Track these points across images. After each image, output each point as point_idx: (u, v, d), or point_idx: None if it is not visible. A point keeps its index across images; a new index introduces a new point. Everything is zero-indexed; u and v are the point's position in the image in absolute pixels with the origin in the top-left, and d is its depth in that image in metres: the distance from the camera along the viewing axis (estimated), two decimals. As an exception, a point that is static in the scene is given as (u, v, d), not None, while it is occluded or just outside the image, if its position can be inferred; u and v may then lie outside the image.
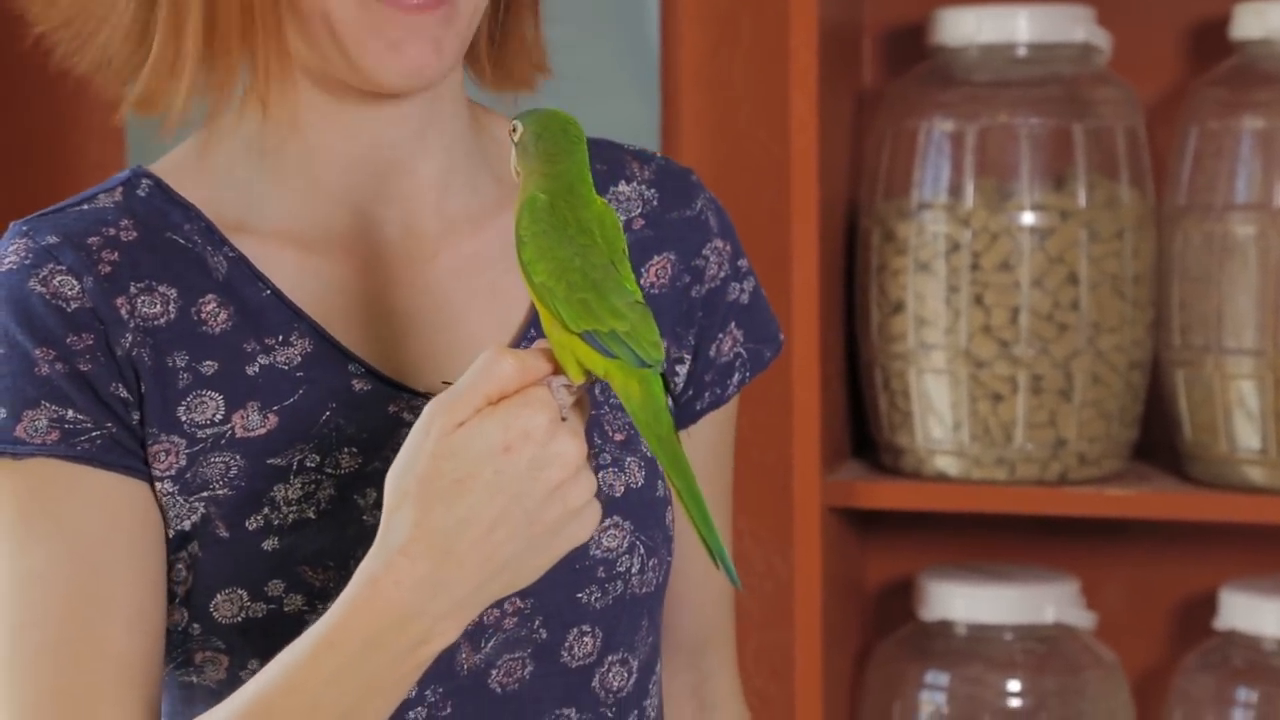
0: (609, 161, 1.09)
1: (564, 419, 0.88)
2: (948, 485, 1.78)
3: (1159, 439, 1.81)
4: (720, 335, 1.10)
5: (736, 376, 1.10)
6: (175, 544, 0.99)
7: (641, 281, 1.07)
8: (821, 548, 1.79)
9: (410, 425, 1.00)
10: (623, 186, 1.09)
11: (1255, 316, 1.70)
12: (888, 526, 1.95)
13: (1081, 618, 1.80)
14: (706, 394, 1.10)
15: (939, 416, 1.77)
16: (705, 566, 1.11)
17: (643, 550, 1.03)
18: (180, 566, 0.99)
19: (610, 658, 1.04)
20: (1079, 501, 1.75)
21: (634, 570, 1.03)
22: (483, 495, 0.86)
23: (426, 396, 1.01)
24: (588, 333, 0.88)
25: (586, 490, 0.88)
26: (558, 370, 0.89)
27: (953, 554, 1.92)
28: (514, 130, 0.93)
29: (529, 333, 1.04)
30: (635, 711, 1.06)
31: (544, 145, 0.91)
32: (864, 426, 1.88)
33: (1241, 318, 1.71)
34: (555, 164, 0.91)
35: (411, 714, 0.98)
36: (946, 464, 1.78)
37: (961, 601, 1.81)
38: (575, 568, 1.00)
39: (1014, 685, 1.81)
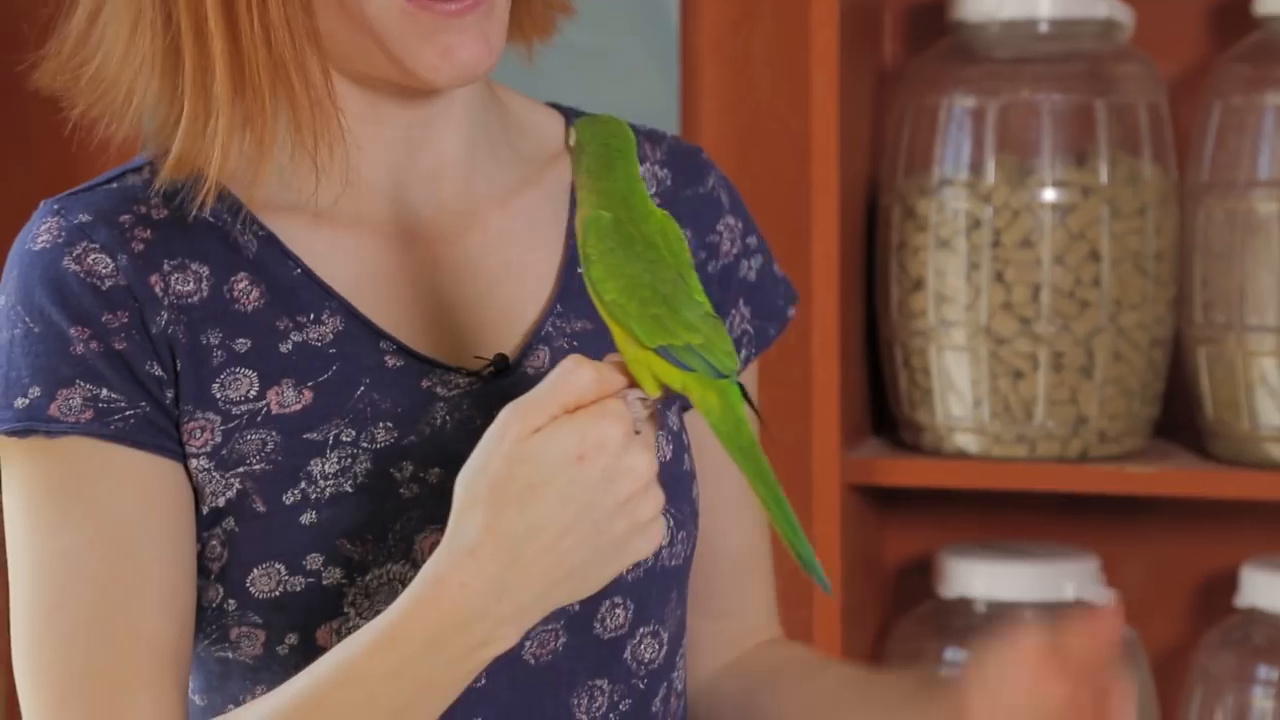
0: None
1: (637, 432, 0.88)
2: (968, 462, 1.78)
3: (1180, 416, 1.81)
4: (732, 312, 1.10)
5: (743, 353, 1.11)
6: (210, 520, 0.99)
7: None
8: (841, 525, 1.79)
9: (443, 399, 1.00)
10: None
11: (1278, 293, 1.70)
12: (907, 504, 1.95)
13: (1101, 595, 1.80)
14: None
15: (959, 394, 1.77)
16: (746, 541, 1.10)
17: (672, 523, 1.04)
18: (215, 543, 0.99)
19: (642, 629, 1.04)
20: (1099, 479, 1.75)
21: (664, 543, 1.03)
22: (555, 502, 0.87)
23: (458, 371, 1.01)
24: (663, 348, 0.88)
25: (655, 505, 0.89)
26: (633, 383, 0.90)
27: (973, 531, 1.92)
28: (568, 137, 0.94)
29: (555, 307, 1.04)
30: (665, 683, 1.06)
31: (589, 159, 0.92)
32: (884, 404, 1.88)
33: (1264, 295, 1.70)
34: (602, 179, 0.91)
35: None
36: (967, 441, 1.78)
37: (981, 579, 1.81)
38: None
39: (1034, 663, 1.81)
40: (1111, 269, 1.74)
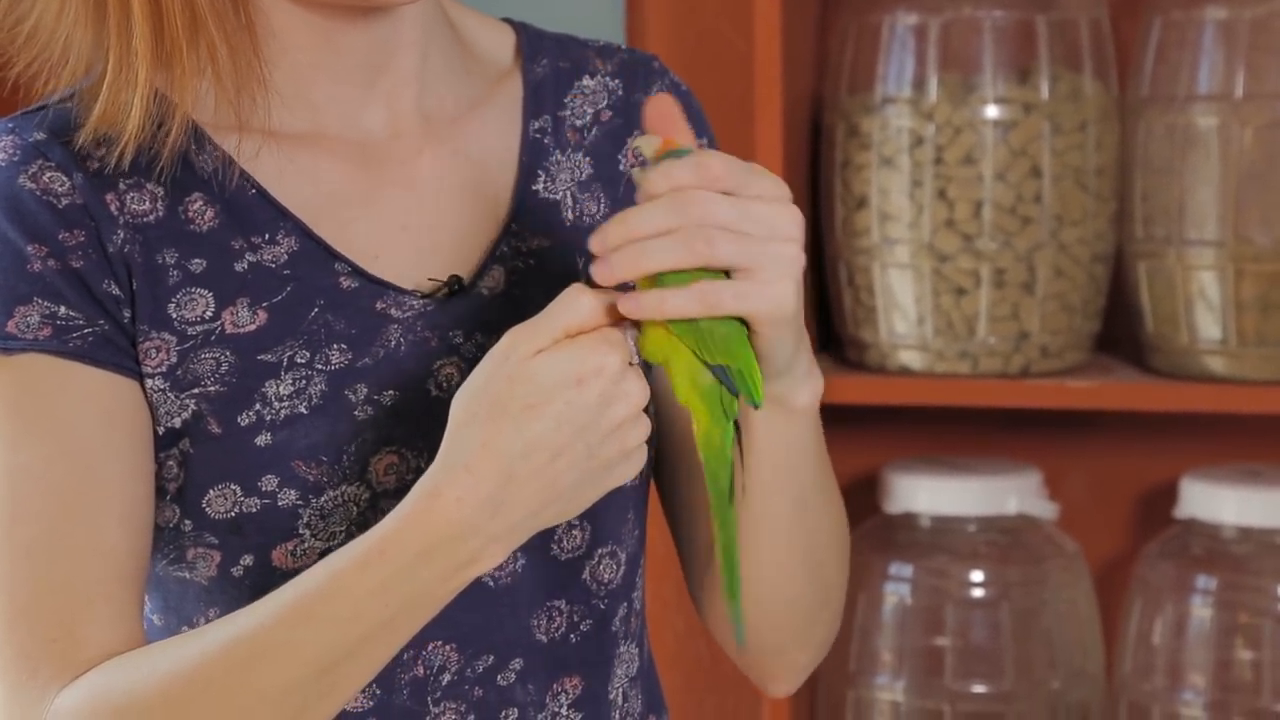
0: (572, 59, 1.10)
1: (632, 363, 0.90)
2: (912, 379, 1.79)
3: (1121, 331, 1.83)
4: None
5: None
6: (167, 441, 0.99)
7: (620, 166, 1.08)
8: (787, 443, 1.80)
9: (398, 321, 1.00)
10: (587, 81, 1.09)
11: (1216, 208, 1.71)
12: (853, 421, 1.96)
13: (1044, 508, 1.83)
14: None
15: (903, 311, 1.78)
16: None
17: None
18: (172, 464, 0.99)
19: (599, 550, 1.05)
20: (1041, 393, 1.77)
21: None
22: (551, 423, 0.88)
23: (413, 293, 1.01)
24: (720, 367, 0.89)
25: (643, 432, 0.91)
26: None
27: (917, 448, 1.94)
28: (635, 153, 0.93)
29: (510, 226, 1.05)
30: (625, 603, 1.07)
31: None
32: (829, 322, 1.89)
33: (1203, 209, 1.72)
34: None
35: None
36: (910, 358, 1.79)
37: (925, 494, 1.83)
38: None
39: (977, 576, 1.83)
40: (1053, 185, 1.75)
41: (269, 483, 0.98)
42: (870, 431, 1.96)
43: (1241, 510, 1.75)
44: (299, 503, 0.98)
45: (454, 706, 1.01)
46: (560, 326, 0.89)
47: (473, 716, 1.01)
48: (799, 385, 0.96)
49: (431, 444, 0.99)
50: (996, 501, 1.82)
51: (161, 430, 0.98)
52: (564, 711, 1.03)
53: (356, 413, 0.99)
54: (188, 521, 0.99)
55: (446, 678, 1.00)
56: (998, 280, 1.75)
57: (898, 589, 1.84)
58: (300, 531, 0.98)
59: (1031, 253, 1.75)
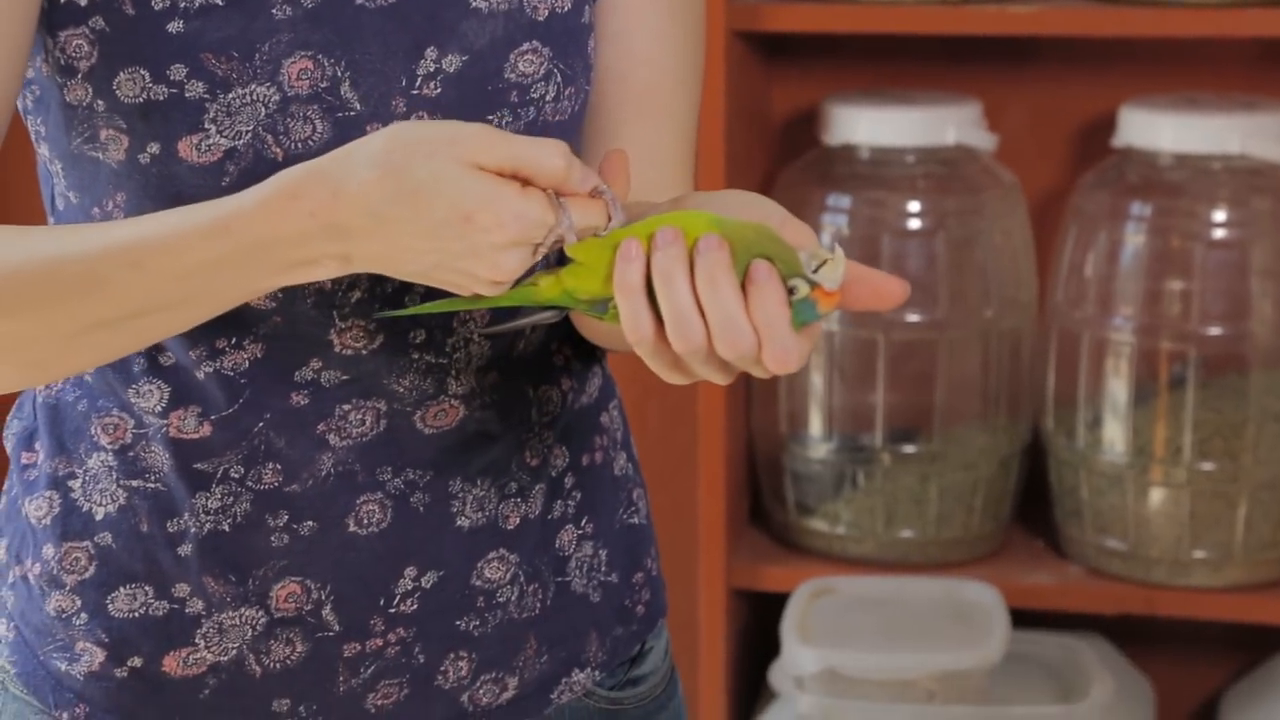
0: None
1: (538, 245, 0.88)
2: (852, 6, 1.77)
3: (1064, -44, 1.81)
4: None
5: None
6: (79, 16, 0.97)
7: None
8: (725, 74, 1.78)
9: None
10: None
11: None
12: (793, 52, 1.95)
13: (982, 139, 1.82)
14: None
15: (844, -63, 1.75)
16: (653, 78, 1.07)
17: (560, 78, 1.02)
18: (82, 42, 0.97)
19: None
20: (982, 19, 1.75)
21: (548, 97, 1.01)
22: (421, 225, 0.87)
23: None
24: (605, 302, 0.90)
25: (489, 290, 0.90)
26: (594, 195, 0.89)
27: (857, 80, 1.93)
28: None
29: None
30: None
31: None
32: (769, -50, 1.86)
33: None
34: None
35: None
36: (851, -15, 1.77)
37: (865, 125, 1.82)
38: (488, 89, 0.99)
39: (914, 206, 1.84)
40: None
41: (177, 72, 0.96)
42: (811, 63, 1.95)
43: (1178, 137, 1.75)
44: (206, 96, 0.96)
45: (361, 324, 1.01)
46: (512, 164, 0.87)
47: (381, 337, 1.01)
48: None
49: (350, 54, 0.97)
50: (935, 132, 1.81)
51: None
52: (474, 335, 1.03)
53: (275, 11, 0.97)
54: (100, 102, 0.98)
55: (356, 295, 1.00)
56: (941, -96, 1.72)
57: (835, 220, 1.84)
58: (205, 126, 0.97)
59: (976, -124, 1.72)
